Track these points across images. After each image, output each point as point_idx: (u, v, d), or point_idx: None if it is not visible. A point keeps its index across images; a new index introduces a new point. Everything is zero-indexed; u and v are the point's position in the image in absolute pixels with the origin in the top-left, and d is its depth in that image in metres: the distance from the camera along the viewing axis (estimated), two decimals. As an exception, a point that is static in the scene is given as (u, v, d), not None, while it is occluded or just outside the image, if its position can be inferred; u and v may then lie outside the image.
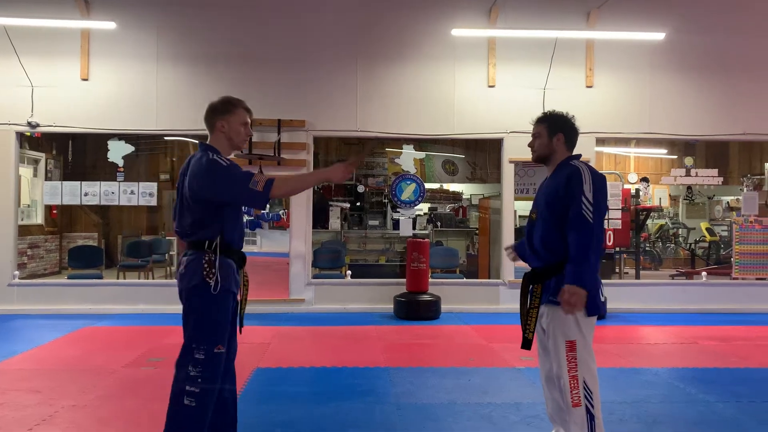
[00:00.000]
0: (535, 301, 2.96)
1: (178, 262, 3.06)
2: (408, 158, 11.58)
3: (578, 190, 2.87)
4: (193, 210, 2.91)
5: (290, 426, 3.71)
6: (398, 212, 8.58)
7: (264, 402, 4.18)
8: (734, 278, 8.62)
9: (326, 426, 3.72)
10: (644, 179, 10.07)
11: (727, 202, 12.49)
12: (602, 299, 2.94)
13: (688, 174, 8.82)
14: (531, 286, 2.99)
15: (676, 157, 12.87)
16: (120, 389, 4.45)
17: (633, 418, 3.88)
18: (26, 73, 7.70)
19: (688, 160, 9.13)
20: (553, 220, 2.94)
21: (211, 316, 2.88)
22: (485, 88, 8.22)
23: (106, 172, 9.12)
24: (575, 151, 3.23)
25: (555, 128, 3.15)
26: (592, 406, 2.84)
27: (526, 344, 3.00)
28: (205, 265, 2.85)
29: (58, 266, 11.25)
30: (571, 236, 2.83)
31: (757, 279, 8.47)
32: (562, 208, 2.90)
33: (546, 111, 3.27)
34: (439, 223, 10.93)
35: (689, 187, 12.91)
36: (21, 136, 8.16)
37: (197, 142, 12.43)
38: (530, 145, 3.20)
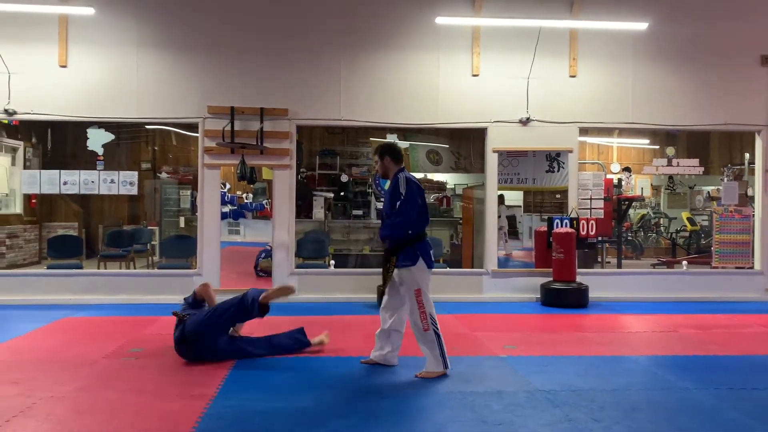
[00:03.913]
0: (391, 267, 4.56)
1: None
2: (392, 147, 11.55)
3: (398, 191, 4.53)
4: None
5: (270, 415, 3.70)
6: (382, 201, 8.53)
7: (244, 391, 4.16)
8: (714, 267, 8.72)
9: (307, 416, 3.71)
10: (626, 169, 10.14)
11: (708, 192, 12.61)
12: (432, 260, 4.59)
13: (669, 164, 8.88)
14: (389, 258, 4.57)
15: (658, 147, 12.98)
16: (99, 380, 4.40)
17: (613, 405, 3.91)
18: (2, 59, 7.56)
19: (670, 150, 9.20)
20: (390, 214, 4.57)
21: None
22: (469, 78, 8.19)
23: (85, 161, 9.00)
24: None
25: (383, 154, 4.71)
26: (437, 329, 4.50)
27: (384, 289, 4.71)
28: None
29: (37, 256, 11.11)
30: (396, 219, 4.51)
31: (736, 268, 8.57)
32: (395, 204, 4.52)
33: (379, 145, 4.85)
34: (423, 213, 10.91)
35: (671, 177, 13.02)
36: (-2, 124, 8.03)
37: (178, 131, 12.33)
38: (376, 170, 4.90)
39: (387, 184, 8.26)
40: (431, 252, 4.64)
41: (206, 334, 4.84)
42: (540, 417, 3.69)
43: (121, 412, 3.75)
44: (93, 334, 5.93)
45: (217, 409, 3.77)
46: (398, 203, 4.50)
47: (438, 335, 4.50)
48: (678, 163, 8.95)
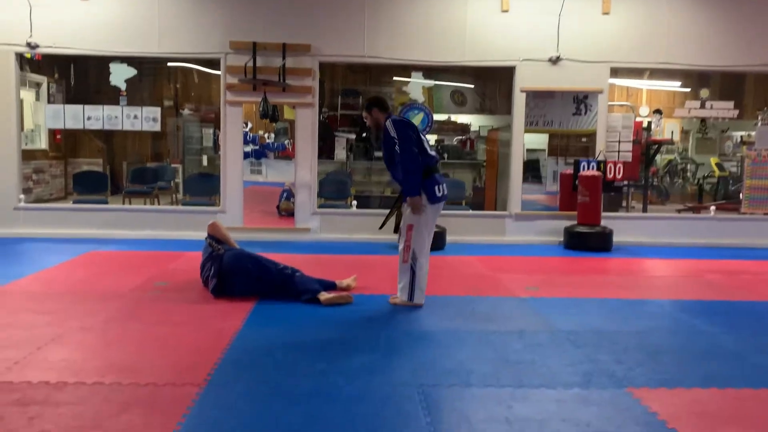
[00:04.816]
0: (400, 204, 4.83)
1: None
2: (416, 87, 11.34)
3: (389, 136, 4.54)
4: None
5: (294, 349, 3.74)
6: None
7: (268, 325, 4.21)
8: (743, 213, 8.55)
9: (331, 349, 3.75)
10: (657, 111, 9.83)
11: (741, 137, 12.26)
12: (438, 194, 4.63)
13: (702, 106, 8.60)
14: (401, 197, 4.78)
15: (689, 90, 12.56)
16: (127, 312, 4.48)
17: (636, 348, 3.89)
18: (23, -9, 7.46)
19: (704, 92, 8.89)
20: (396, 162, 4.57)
21: None
22: (499, 14, 7.91)
23: (108, 97, 8.97)
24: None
25: (370, 107, 4.75)
26: (415, 265, 4.62)
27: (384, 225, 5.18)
28: None
29: (63, 192, 11.24)
30: (399, 167, 4.55)
31: (765, 214, 8.39)
32: (393, 151, 4.54)
33: (365, 100, 5.11)
34: (446, 155, 10.79)
35: (703, 120, 12.64)
36: (21, 59, 7.97)
37: (200, 68, 12.19)
38: (367, 125, 4.91)
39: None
40: (438, 187, 4.63)
41: (243, 274, 4.86)
42: (562, 357, 3.69)
43: (149, 342, 3.82)
44: (119, 268, 6.03)
45: (242, 342, 3.83)
46: (396, 147, 4.50)
47: (414, 272, 4.64)
48: (711, 105, 8.66)
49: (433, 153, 4.76)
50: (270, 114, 7.80)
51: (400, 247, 4.71)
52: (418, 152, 4.53)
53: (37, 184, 10.45)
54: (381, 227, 5.14)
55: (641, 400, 3.06)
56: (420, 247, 4.64)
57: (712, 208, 8.98)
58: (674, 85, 12.77)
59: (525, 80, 7.96)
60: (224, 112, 7.88)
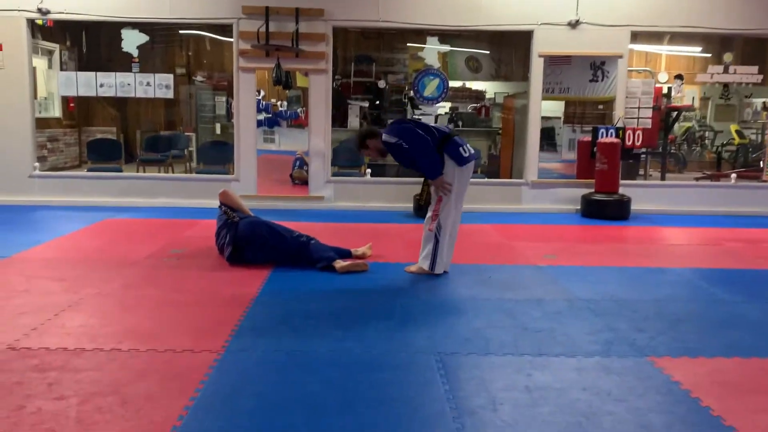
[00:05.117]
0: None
1: None
2: (431, 53, 11.15)
3: (396, 147, 4.49)
4: None
5: (312, 315, 3.73)
6: (419, 110, 8.32)
7: (284, 293, 4.20)
8: (764, 181, 8.39)
9: (347, 317, 3.73)
10: (678, 76, 9.59)
11: (764, 102, 11.99)
12: (465, 154, 4.51)
13: (726, 71, 8.37)
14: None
15: (709, 55, 12.25)
16: (143, 279, 4.48)
17: (656, 316, 3.84)
18: (33, -45, 7.35)
19: (727, 56, 8.64)
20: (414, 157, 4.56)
21: None
22: (516, -24, 7.72)
23: (121, 64, 8.89)
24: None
25: (363, 140, 4.79)
26: (439, 235, 4.57)
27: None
28: None
29: (78, 160, 11.25)
30: (416, 159, 4.53)
31: (787, 182, 8.23)
32: (404, 152, 4.51)
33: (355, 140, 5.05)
34: (460, 123, 10.65)
35: (726, 86, 12.35)
36: (33, 25, 7.89)
37: (212, 35, 12.06)
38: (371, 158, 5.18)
39: (426, 89, 8.06)
40: (462, 148, 4.53)
41: (258, 241, 4.84)
42: (581, 325, 3.65)
43: (166, 309, 3.82)
44: (134, 235, 6.03)
45: (258, 309, 3.82)
46: (402, 145, 4.45)
47: (438, 240, 4.59)
48: (735, 70, 8.43)
49: (442, 127, 4.77)
50: (283, 80, 7.71)
51: (428, 215, 4.65)
52: (422, 132, 4.47)
53: (52, 152, 10.45)
54: (422, 202, 5.51)
55: (663, 369, 3.02)
56: (449, 221, 4.59)
57: (733, 175, 8.82)
58: (694, 51, 12.47)
59: (543, 44, 7.78)
60: (237, 79, 7.78)
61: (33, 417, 2.43)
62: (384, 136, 4.58)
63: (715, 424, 2.50)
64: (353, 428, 2.40)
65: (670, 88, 9.21)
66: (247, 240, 4.84)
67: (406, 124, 4.73)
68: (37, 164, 7.91)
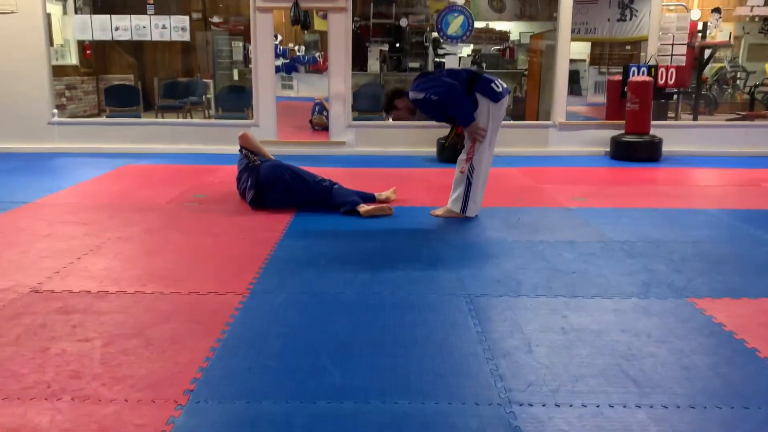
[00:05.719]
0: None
1: None
2: (453, -9, 10.73)
3: (420, 99, 4.32)
4: None
5: (336, 258, 3.64)
6: (443, 49, 8.05)
7: (308, 236, 4.11)
8: (803, 121, 8.05)
9: (373, 258, 3.63)
10: (716, 10, 9.12)
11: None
12: (499, 89, 4.30)
13: (766, 4, 7.93)
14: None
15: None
16: (165, 223, 4.42)
17: (695, 257, 3.69)
18: None
19: (769, -12, 8.18)
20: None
21: None
22: None
23: (136, 9, 8.68)
24: None
25: (391, 103, 4.56)
26: (472, 177, 4.43)
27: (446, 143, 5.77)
28: None
29: (96, 108, 11.15)
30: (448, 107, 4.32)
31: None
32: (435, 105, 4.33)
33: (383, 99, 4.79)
34: (484, 65, 10.33)
35: (766, 19, 11.78)
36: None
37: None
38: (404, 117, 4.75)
39: (450, 27, 7.75)
40: (494, 84, 4.30)
41: (280, 185, 4.73)
42: (617, 267, 3.51)
43: (189, 252, 3.75)
44: (155, 181, 5.96)
45: (282, 252, 3.73)
46: (432, 97, 4.26)
47: (470, 182, 4.45)
48: (776, 3, 7.98)
49: (467, 69, 4.66)
50: (301, 20, 7.47)
51: (461, 156, 4.50)
52: (449, 79, 4.27)
53: (71, 100, 10.35)
54: (447, 144, 5.56)
55: (705, 311, 2.89)
56: (480, 159, 4.40)
57: (769, 115, 8.47)
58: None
59: (572, -21, 7.42)
60: (254, 20, 7.54)
61: (57, 358, 2.38)
62: (411, 94, 4.40)
63: (764, 366, 2.38)
64: (384, 369, 2.32)
65: (705, 24, 8.78)
66: (269, 184, 4.73)
67: (428, 76, 4.58)
68: (55, 111, 7.83)
